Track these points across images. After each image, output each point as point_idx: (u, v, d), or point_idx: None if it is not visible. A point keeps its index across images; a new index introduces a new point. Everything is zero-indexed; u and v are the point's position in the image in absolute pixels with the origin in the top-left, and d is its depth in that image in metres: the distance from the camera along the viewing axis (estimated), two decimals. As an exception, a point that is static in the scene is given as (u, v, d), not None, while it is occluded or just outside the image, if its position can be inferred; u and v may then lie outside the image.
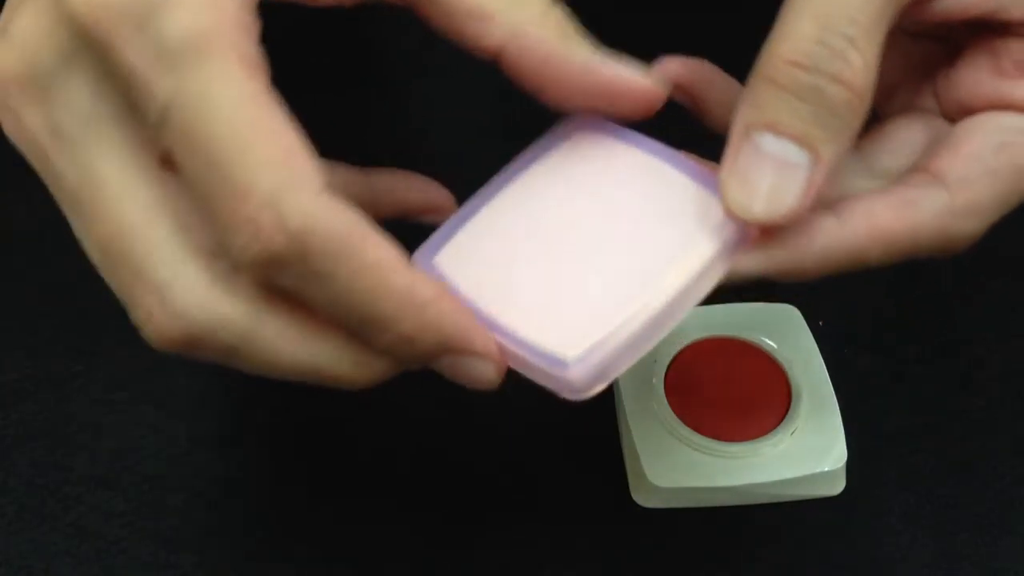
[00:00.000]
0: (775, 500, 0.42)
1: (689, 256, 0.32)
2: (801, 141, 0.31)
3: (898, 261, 0.33)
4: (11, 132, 0.30)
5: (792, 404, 0.43)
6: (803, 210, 0.31)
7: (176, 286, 0.29)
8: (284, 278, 0.29)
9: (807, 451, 0.42)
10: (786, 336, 0.45)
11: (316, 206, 0.28)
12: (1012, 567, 0.42)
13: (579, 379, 0.31)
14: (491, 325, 0.32)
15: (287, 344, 0.30)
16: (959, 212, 0.32)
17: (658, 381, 0.43)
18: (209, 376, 0.33)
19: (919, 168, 0.33)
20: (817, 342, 0.45)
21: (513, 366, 0.32)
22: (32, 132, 0.29)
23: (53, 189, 0.30)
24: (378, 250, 0.29)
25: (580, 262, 0.33)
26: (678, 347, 0.44)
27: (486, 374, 0.31)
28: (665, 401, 0.43)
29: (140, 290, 0.29)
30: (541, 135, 0.35)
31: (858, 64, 0.31)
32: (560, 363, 0.31)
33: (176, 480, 0.43)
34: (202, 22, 0.28)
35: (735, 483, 0.42)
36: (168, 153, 0.29)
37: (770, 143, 0.31)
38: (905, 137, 0.35)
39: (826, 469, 0.42)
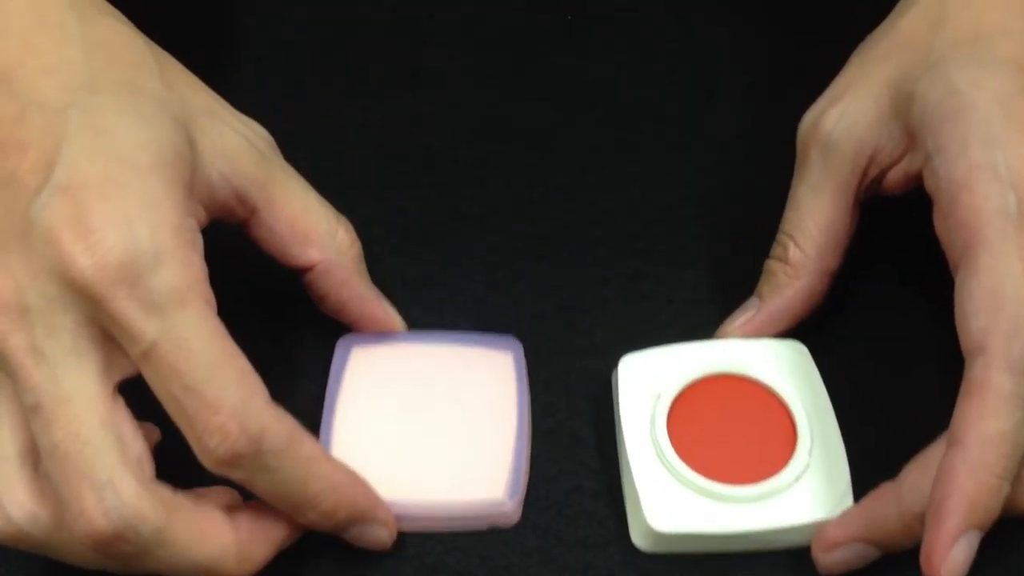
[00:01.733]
0: (779, 547, 0.41)
1: (507, 385, 0.43)
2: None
3: None
4: None
5: (798, 446, 0.42)
6: None
7: (111, 488, 0.35)
8: (239, 471, 0.36)
9: (812, 497, 0.41)
10: (793, 373, 0.43)
11: (267, 415, 0.36)
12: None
13: (514, 509, 0.41)
14: (423, 504, 0.41)
15: (190, 544, 0.36)
16: None
17: (661, 418, 0.42)
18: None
19: None
20: (824, 380, 0.43)
21: (441, 527, 0.41)
22: (13, 349, 0.35)
23: (18, 385, 0.35)
24: (310, 446, 0.37)
25: (437, 434, 0.42)
26: (683, 384, 0.43)
27: (384, 538, 0.40)
28: (668, 440, 0.41)
29: (81, 486, 0.35)
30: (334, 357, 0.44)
31: None
32: (498, 503, 0.41)
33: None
34: (181, 279, 0.35)
35: (738, 530, 0.40)
36: (131, 377, 0.36)
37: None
38: None
39: (831, 516, 0.40)
